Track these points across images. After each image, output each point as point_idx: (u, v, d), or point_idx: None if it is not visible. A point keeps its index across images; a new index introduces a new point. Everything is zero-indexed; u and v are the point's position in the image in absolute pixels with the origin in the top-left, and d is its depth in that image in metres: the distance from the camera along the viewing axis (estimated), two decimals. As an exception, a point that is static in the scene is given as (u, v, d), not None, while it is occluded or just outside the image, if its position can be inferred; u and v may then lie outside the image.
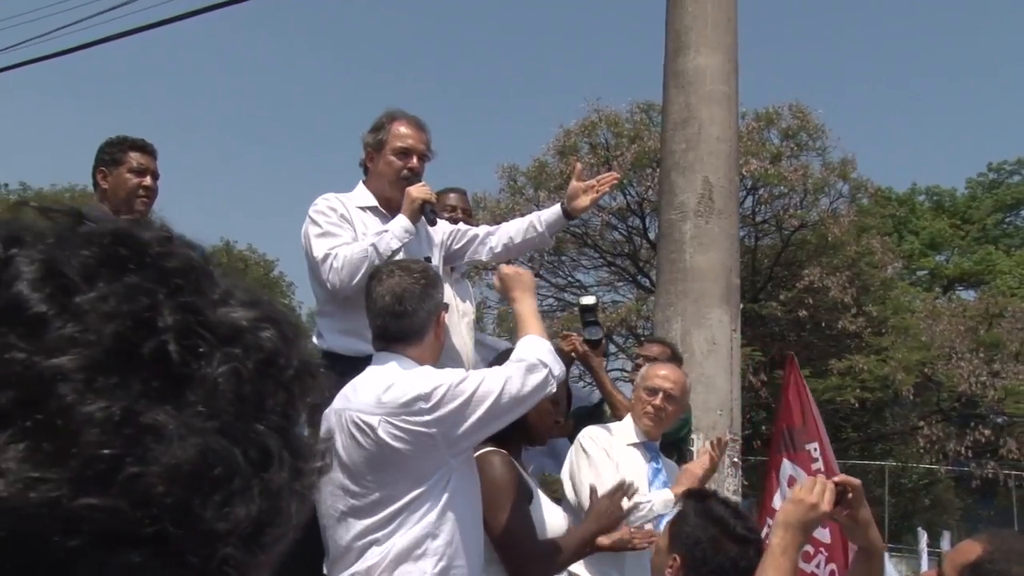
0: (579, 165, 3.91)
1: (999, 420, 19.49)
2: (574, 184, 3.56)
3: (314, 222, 3.22)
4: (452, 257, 3.57)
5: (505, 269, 2.85)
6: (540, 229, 3.54)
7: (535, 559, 2.56)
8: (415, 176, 3.32)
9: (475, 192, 22.23)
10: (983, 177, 32.44)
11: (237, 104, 70.94)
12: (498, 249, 3.59)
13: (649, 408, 3.64)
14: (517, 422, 2.76)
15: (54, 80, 64.34)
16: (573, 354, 4.11)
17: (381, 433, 2.32)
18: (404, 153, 3.32)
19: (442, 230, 3.53)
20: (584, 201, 3.53)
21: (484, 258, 3.67)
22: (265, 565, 0.54)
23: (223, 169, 69.76)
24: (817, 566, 3.94)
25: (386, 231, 3.14)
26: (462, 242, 3.56)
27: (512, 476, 2.62)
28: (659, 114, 9.10)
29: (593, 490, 3.12)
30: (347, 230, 3.22)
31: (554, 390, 2.54)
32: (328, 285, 3.10)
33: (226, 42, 68.90)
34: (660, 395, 3.64)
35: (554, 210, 3.58)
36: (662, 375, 3.72)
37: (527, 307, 2.70)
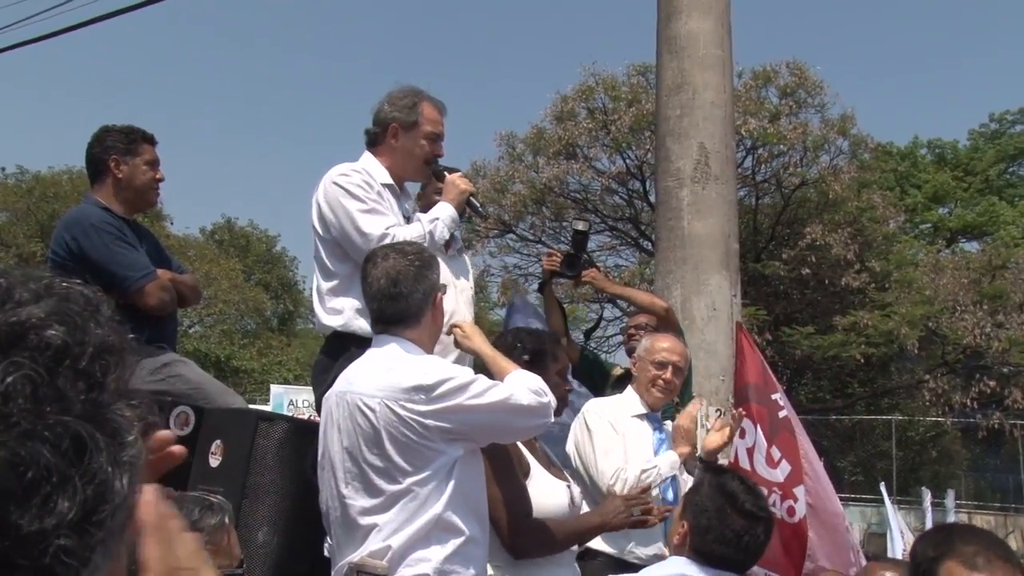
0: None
1: (1004, 370, 19.52)
2: None
3: (353, 196, 3.09)
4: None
5: (456, 334, 2.87)
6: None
7: (525, 532, 2.58)
8: (436, 162, 3.33)
9: (474, 160, 22.19)
10: (985, 128, 32.20)
11: (236, 82, 70.52)
12: None
13: (660, 382, 3.70)
14: None
15: (50, 61, 64.01)
16: (551, 269, 4.27)
17: (381, 416, 2.35)
18: (435, 138, 3.32)
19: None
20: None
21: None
22: (110, 536, 0.55)
23: (223, 146, 69.54)
24: (773, 505, 4.08)
25: (438, 219, 3.16)
26: None
27: (504, 448, 2.65)
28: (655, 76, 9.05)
29: (611, 490, 3.21)
30: (388, 209, 3.17)
31: (550, 421, 2.57)
32: None
33: (223, 19, 68.36)
34: (669, 368, 3.71)
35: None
36: (668, 348, 3.76)
37: (490, 349, 2.77)
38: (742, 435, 4.27)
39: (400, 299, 2.52)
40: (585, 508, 3.23)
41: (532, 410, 2.45)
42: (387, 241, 2.97)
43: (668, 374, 3.71)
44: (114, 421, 0.57)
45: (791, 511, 4.33)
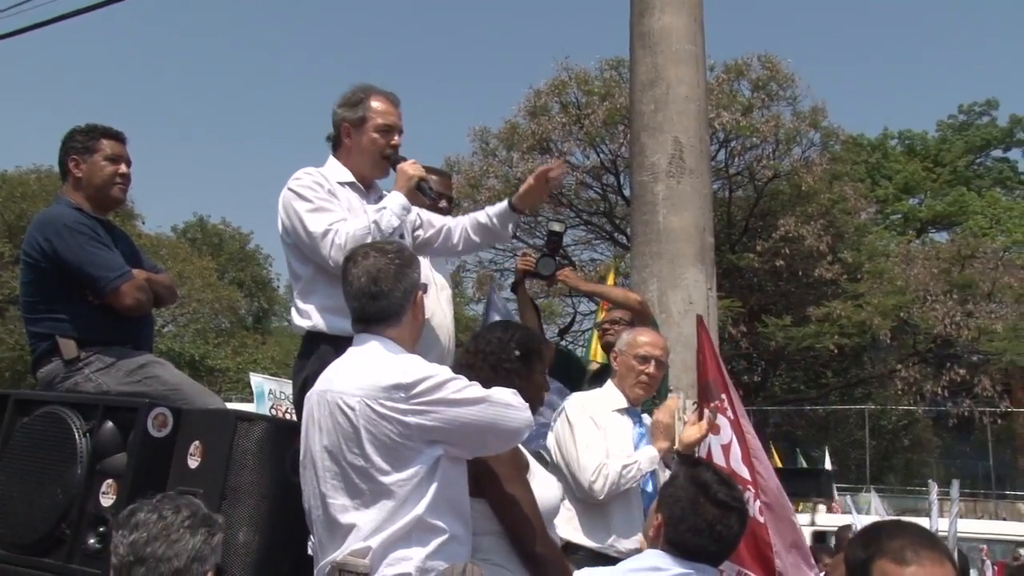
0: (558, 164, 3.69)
1: (974, 359, 19.84)
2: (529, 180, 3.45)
3: (302, 197, 3.13)
4: (420, 247, 3.45)
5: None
6: (493, 223, 3.44)
7: (542, 541, 2.58)
8: (396, 153, 3.29)
9: (448, 156, 22.18)
10: (953, 119, 32.64)
11: (205, 79, 69.84)
12: (460, 246, 3.54)
13: (643, 377, 3.73)
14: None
15: (15, 59, 63.02)
16: (524, 269, 4.33)
17: (361, 415, 2.34)
18: (387, 130, 3.28)
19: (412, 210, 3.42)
20: (536, 192, 3.41)
21: (452, 253, 3.64)
22: None
23: (194, 144, 68.87)
24: (747, 502, 4.15)
25: (384, 208, 3.11)
26: (430, 231, 3.48)
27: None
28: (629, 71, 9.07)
29: (592, 486, 3.33)
30: (338, 206, 3.17)
31: (532, 427, 2.57)
32: (331, 262, 3.02)
33: (193, 16, 67.63)
34: (652, 363, 3.74)
35: (501, 204, 3.50)
36: (650, 342, 3.79)
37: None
38: (716, 431, 4.29)
39: (381, 297, 2.52)
40: (573, 511, 3.25)
41: (513, 406, 2.46)
42: (330, 237, 3.02)
43: (651, 368, 3.75)
44: None
45: (761, 510, 4.38)
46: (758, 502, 4.37)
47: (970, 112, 32.20)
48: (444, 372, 2.44)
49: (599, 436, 3.53)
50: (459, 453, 2.43)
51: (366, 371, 2.41)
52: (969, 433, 21.28)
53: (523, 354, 2.86)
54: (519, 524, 2.54)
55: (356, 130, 3.29)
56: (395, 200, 3.14)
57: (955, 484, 8.24)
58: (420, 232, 3.45)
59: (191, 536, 2.06)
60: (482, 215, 3.48)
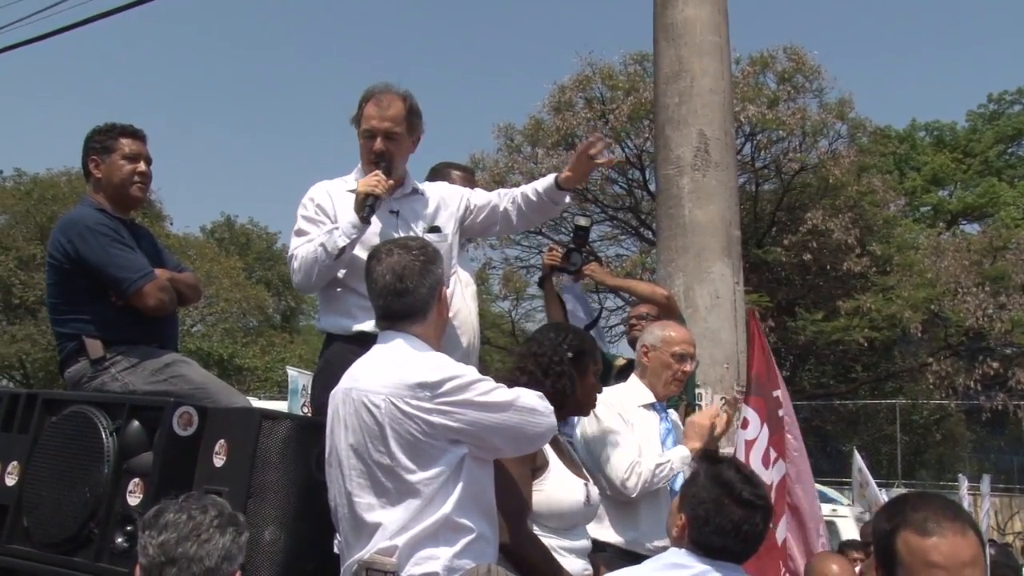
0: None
1: (1008, 351, 19.52)
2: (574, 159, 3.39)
3: (298, 217, 3.22)
4: (471, 231, 3.51)
5: None
6: (543, 198, 3.37)
7: (512, 531, 2.55)
8: (382, 159, 3.21)
9: (472, 153, 22.16)
10: (983, 109, 32.10)
11: (234, 79, 70.40)
12: (516, 223, 3.52)
13: (680, 374, 3.73)
14: (572, 401, 2.86)
15: (47, 62, 63.90)
16: (551, 264, 4.35)
17: (386, 413, 2.32)
18: (369, 135, 3.23)
19: (458, 199, 3.41)
20: (580, 170, 3.36)
21: (504, 231, 3.68)
22: None
23: (222, 145, 69.46)
24: None
25: (336, 227, 3.08)
26: (481, 216, 3.45)
27: None
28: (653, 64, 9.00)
29: (624, 484, 3.33)
30: (319, 224, 3.17)
31: (555, 428, 2.58)
32: (295, 284, 3.20)
33: (221, 17, 68.21)
34: (688, 361, 3.75)
35: (546, 180, 3.43)
36: (685, 339, 3.78)
37: None
38: (744, 425, 4.23)
39: (407, 295, 2.50)
40: (603, 509, 3.22)
41: (538, 412, 2.45)
42: (292, 262, 3.14)
43: (688, 366, 3.75)
44: None
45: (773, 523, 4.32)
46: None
47: (1000, 101, 31.66)
48: (471, 372, 2.42)
49: (628, 432, 3.50)
50: (481, 454, 2.41)
51: (392, 369, 2.39)
52: (1003, 427, 20.95)
53: (576, 355, 2.88)
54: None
55: (358, 135, 3.29)
56: (346, 219, 3.09)
57: (986, 479, 8.12)
58: (472, 217, 3.43)
59: (220, 536, 2.05)
60: (531, 192, 3.42)
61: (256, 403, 4.29)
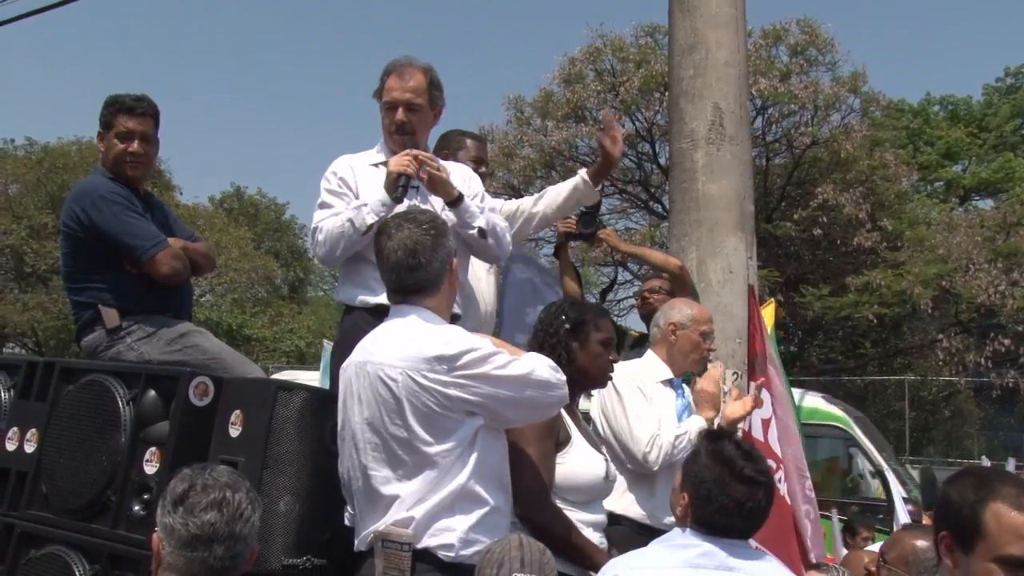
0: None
1: (1019, 329, 19.41)
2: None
3: (321, 189, 3.25)
4: (515, 237, 3.70)
5: None
6: (579, 192, 3.80)
7: (537, 506, 2.58)
8: (402, 130, 3.22)
9: (482, 124, 22.00)
10: (1000, 83, 31.72)
11: (243, 49, 70.09)
12: (550, 212, 3.85)
13: (707, 352, 3.79)
14: (577, 371, 2.86)
15: (57, 31, 63.70)
16: (566, 231, 4.46)
17: (403, 386, 2.34)
18: (391, 107, 3.24)
19: (473, 192, 3.32)
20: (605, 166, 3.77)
21: (531, 231, 3.98)
22: None
23: (231, 115, 69.29)
24: (779, 481, 4.14)
25: (365, 204, 3.06)
26: (516, 225, 3.70)
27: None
28: (664, 36, 8.91)
29: (646, 456, 3.36)
30: (343, 198, 3.17)
31: (566, 399, 2.59)
32: (315, 257, 3.19)
33: (222, -16, 67.74)
34: (711, 339, 3.83)
35: (576, 179, 3.83)
36: (708, 317, 3.84)
37: None
38: (759, 404, 4.25)
39: (419, 269, 2.51)
40: (619, 482, 3.24)
41: (551, 385, 2.46)
42: (316, 235, 3.14)
43: (712, 344, 3.84)
44: None
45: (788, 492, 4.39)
46: (785, 484, 4.34)
47: (1018, 75, 31.25)
48: (487, 345, 2.43)
49: (649, 406, 3.51)
50: (494, 424, 2.44)
51: (408, 342, 2.40)
52: (1013, 405, 20.92)
53: (573, 325, 2.88)
54: (519, 484, 2.54)
55: (380, 108, 3.30)
56: (375, 197, 3.07)
57: (1011, 461, 8.14)
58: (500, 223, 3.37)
59: (252, 513, 2.05)
60: (563, 194, 3.84)
61: (287, 375, 4.31)
